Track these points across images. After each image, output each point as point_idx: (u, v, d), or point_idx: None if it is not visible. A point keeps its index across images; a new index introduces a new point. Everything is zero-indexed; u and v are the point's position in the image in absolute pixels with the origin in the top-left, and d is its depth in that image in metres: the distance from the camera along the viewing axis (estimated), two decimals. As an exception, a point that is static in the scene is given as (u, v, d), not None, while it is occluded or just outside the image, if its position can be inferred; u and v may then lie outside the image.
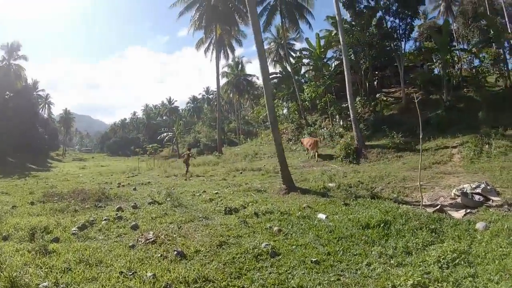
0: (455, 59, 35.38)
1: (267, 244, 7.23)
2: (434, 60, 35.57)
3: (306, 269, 6.32)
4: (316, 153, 25.20)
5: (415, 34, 38.69)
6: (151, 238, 7.67)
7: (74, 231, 8.64)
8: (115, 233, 8.63)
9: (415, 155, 20.71)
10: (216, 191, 14.67)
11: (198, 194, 14.28)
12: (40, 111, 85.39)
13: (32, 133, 59.88)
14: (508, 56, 34.46)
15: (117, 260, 6.65)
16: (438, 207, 10.57)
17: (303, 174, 18.20)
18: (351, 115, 24.29)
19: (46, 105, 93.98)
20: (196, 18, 42.17)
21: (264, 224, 9.10)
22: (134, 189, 16.44)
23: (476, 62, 34.79)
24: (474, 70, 33.70)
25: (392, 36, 32.29)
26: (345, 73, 24.35)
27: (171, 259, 6.66)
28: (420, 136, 12.06)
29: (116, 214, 10.32)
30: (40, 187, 18.21)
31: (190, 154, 25.02)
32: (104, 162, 61.46)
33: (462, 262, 6.31)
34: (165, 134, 62.75)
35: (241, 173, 20.98)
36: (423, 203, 11.14)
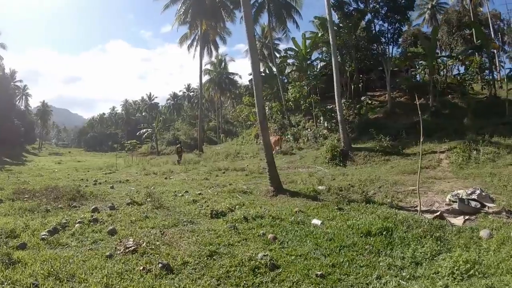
0: (441, 65, 35.36)
1: (265, 255, 6.31)
2: (417, 66, 35.52)
3: (312, 284, 5.53)
4: (280, 149, 27.57)
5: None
6: (131, 247, 6.69)
7: (43, 236, 7.62)
8: (90, 238, 7.63)
9: (402, 159, 20.37)
10: (199, 192, 13.77)
11: (180, 194, 13.29)
12: (16, 103, 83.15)
13: (7, 125, 57.80)
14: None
15: (92, 273, 5.65)
16: (438, 213, 9.91)
17: (289, 176, 17.41)
18: (338, 116, 23.63)
19: (23, 97, 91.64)
20: (181, 12, 41.08)
21: (256, 230, 8.24)
22: (112, 187, 15.32)
23: (461, 69, 35.04)
24: (459, 77, 33.72)
25: (380, 39, 31.89)
26: (334, 73, 23.66)
27: (155, 273, 5.67)
28: (421, 140, 11.43)
29: (92, 216, 9.29)
30: (11, 182, 16.87)
31: (181, 149, 30.94)
32: (81, 158, 60.24)
33: (477, 273, 5.75)
34: (144, 130, 61.07)
35: (223, 172, 20.07)
36: (421, 208, 10.50)
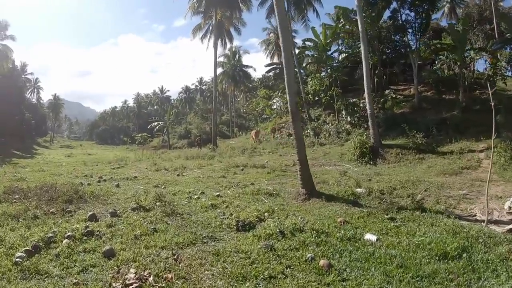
0: (467, 59, 33.10)
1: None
2: (444, 59, 33.34)
3: None
4: (258, 142, 29.87)
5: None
6: (132, 284, 4.58)
7: (18, 258, 5.62)
8: (79, 264, 5.58)
9: (438, 157, 18.48)
10: (217, 193, 11.70)
11: (195, 196, 11.20)
12: (28, 96, 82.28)
13: (18, 118, 56.73)
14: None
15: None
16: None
17: (316, 174, 15.27)
18: (368, 110, 21.53)
19: (35, 90, 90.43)
20: (195, 0, 38.80)
21: (301, 252, 6.17)
22: (117, 185, 13.22)
23: (483, 65, 33.05)
24: (490, 71, 31.32)
25: (406, 30, 29.62)
26: (363, 63, 21.67)
27: None
28: (493, 138, 9.07)
29: (86, 227, 7.20)
30: (6, 179, 14.84)
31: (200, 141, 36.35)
32: (92, 151, 58.56)
33: None
34: (155, 123, 59.10)
35: (242, 169, 17.91)
36: (479, 217, 8.87)
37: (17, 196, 10.38)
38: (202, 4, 38.59)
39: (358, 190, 11.52)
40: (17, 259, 5.59)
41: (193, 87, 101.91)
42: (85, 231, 6.94)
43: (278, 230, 7.19)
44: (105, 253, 5.85)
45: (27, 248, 6.03)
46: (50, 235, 6.66)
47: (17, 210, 8.66)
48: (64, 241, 6.43)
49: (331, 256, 6.05)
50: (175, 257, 5.74)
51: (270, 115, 40.53)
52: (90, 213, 8.42)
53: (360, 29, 22.07)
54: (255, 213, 8.64)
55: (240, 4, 39.62)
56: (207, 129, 61.21)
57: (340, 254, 6.14)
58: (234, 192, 11.96)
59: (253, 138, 34.08)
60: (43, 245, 6.27)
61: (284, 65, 12.23)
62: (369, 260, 5.85)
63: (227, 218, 8.41)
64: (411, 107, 29.63)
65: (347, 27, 32.76)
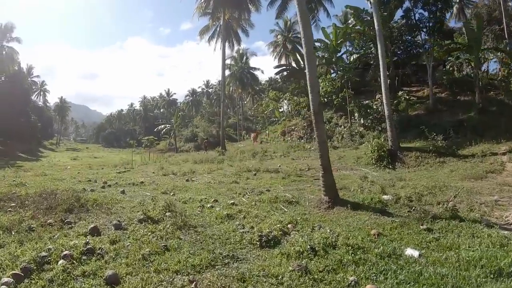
0: (481, 59, 32.05)
1: None
2: (453, 60, 32.34)
3: None
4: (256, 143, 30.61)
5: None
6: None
7: (4, 286, 4.64)
8: (74, 294, 4.53)
9: (459, 161, 17.28)
10: (231, 201, 10.69)
11: (208, 204, 10.14)
12: (34, 98, 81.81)
13: (24, 120, 56.06)
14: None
15: None
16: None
17: (336, 180, 14.38)
18: (386, 111, 20.36)
19: (41, 93, 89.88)
20: (202, 1, 37.80)
21: (341, 274, 5.20)
22: (122, 192, 12.16)
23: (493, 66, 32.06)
24: (505, 71, 30.25)
25: (420, 29, 28.57)
26: (380, 62, 20.66)
27: None
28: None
29: (87, 244, 6.15)
30: (5, 184, 13.74)
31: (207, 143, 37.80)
32: (98, 154, 57.87)
33: None
34: (162, 126, 58.00)
35: (254, 174, 16.83)
36: None
37: (13, 204, 9.37)
38: (210, 4, 37.60)
39: (385, 197, 10.46)
40: (2, 287, 4.59)
41: (199, 90, 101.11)
42: (85, 248, 5.89)
43: (308, 246, 6.19)
44: (108, 280, 4.81)
45: (16, 271, 5.00)
46: (44, 254, 5.63)
47: (11, 221, 7.65)
48: (59, 262, 5.40)
49: (375, 277, 5.15)
50: (193, 285, 4.69)
51: (279, 118, 39.46)
52: (92, 225, 7.39)
53: (376, 27, 21.01)
54: (277, 225, 7.67)
55: (249, 5, 38.53)
56: (214, 132, 60.31)
57: (385, 275, 5.24)
58: (250, 200, 10.97)
59: (253, 142, 33.60)
60: (34, 267, 5.24)
61: (306, 61, 11.22)
62: (418, 281, 4.99)
63: (248, 231, 7.36)
64: (425, 109, 28.46)
65: (358, 27, 31.70)
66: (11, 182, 13.96)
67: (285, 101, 39.96)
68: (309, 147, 26.64)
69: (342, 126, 28.91)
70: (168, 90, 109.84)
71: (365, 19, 30.30)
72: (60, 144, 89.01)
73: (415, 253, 5.97)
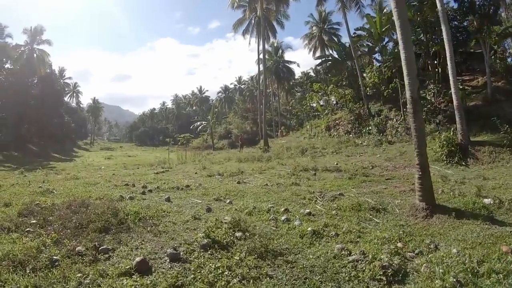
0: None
1: None
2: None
3: None
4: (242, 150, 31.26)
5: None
6: None
7: None
8: None
9: None
10: (305, 209, 8.43)
11: (281, 217, 7.80)
12: (68, 100, 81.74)
13: (58, 121, 55.57)
14: None
15: None
16: None
17: (411, 180, 12.04)
18: (455, 102, 17.75)
19: (74, 94, 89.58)
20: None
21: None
22: (167, 199, 9.81)
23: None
24: None
25: (476, 11, 25.49)
26: (446, 47, 17.99)
27: None
28: None
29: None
30: (29, 192, 11.46)
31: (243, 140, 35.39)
32: (132, 152, 56.47)
33: None
34: (198, 123, 56.02)
35: (314, 174, 14.33)
36: None
37: (34, 221, 7.18)
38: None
39: (486, 201, 8.56)
40: None
41: (232, 86, 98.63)
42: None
43: (452, 279, 4.30)
44: None
45: None
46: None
47: (27, 250, 5.46)
48: None
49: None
50: None
51: (322, 112, 36.77)
52: (138, 258, 5.07)
53: (440, 10, 18.44)
54: (391, 246, 5.69)
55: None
56: (248, 128, 58.25)
57: None
58: (327, 208, 8.65)
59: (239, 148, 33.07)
60: None
61: (400, 38, 8.87)
62: None
63: (359, 260, 4.99)
64: (483, 99, 25.47)
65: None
66: (36, 189, 11.73)
67: (328, 94, 37.35)
68: (360, 142, 24.08)
69: (395, 120, 26.11)
70: (200, 87, 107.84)
71: (412, 4, 27.55)
72: (94, 143, 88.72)
73: None
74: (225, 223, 6.73)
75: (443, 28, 18.27)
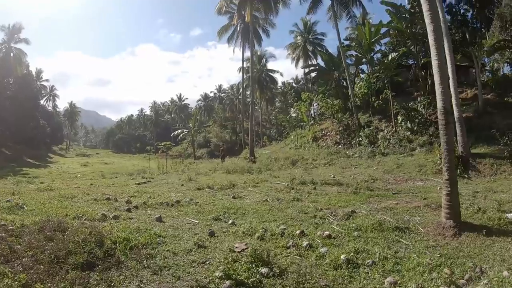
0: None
1: None
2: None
3: None
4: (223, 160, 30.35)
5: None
6: None
7: None
8: None
9: None
10: (322, 231, 7.22)
11: (295, 238, 6.68)
12: (44, 103, 78.80)
13: (33, 125, 53.03)
14: None
15: None
16: None
17: (420, 194, 11.57)
18: (456, 113, 16.98)
19: (51, 97, 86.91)
20: (225, -4, 34.03)
21: None
22: (159, 219, 8.24)
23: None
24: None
25: (468, 25, 25.13)
26: (447, 58, 17.03)
27: None
28: None
29: None
30: None
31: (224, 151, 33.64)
32: (109, 159, 54.26)
33: None
34: (179, 131, 53.92)
35: (314, 188, 13.17)
36: None
37: (-3, 250, 5.51)
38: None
39: (509, 216, 8.15)
40: None
41: (212, 94, 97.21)
42: None
43: None
44: None
45: None
46: None
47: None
48: None
49: None
50: None
51: (307, 122, 35.65)
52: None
53: (441, 19, 17.58)
54: (438, 273, 4.95)
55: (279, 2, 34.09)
56: (227, 137, 57.16)
57: None
58: (345, 228, 7.50)
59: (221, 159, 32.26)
60: None
61: (432, 44, 8.04)
62: None
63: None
64: (474, 111, 24.99)
65: (393, 24, 28.22)
66: (4, 204, 9.50)
67: (314, 104, 36.38)
68: (351, 153, 23.01)
69: (386, 131, 25.23)
70: (180, 95, 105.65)
71: (403, 15, 27.02)
72: (70, 149, 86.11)
73: None
74: (240, 253, 5.32)
75: (444, 39, 17.49)
